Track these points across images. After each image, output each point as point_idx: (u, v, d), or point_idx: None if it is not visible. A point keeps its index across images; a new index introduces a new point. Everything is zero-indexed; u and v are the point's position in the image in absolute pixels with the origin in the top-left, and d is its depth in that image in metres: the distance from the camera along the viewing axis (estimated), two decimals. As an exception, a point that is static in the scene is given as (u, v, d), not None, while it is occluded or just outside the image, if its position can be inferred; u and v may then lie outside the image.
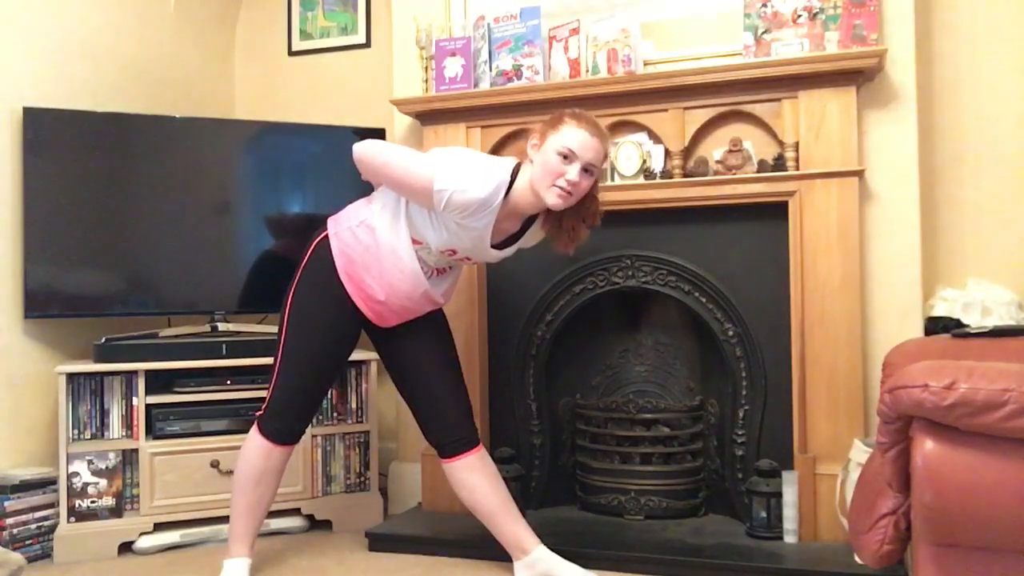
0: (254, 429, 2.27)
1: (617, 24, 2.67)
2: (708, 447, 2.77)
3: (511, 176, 2.11)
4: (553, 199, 2.08)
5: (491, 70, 2.80)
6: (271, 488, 2.30)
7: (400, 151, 2.19)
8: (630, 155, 2.67)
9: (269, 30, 3.66)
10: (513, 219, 2.21)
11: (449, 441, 2.31)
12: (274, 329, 2.49)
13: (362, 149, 2.21)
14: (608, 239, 2.61)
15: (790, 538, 2.43)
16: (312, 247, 2.27)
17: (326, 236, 2.25)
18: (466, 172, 2.06)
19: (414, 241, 2.19)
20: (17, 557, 1.85)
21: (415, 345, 2.34)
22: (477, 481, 2.29)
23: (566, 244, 2.22)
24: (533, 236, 2.31)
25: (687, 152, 2.64)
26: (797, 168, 2.49)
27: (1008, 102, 2.62)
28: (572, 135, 2.07)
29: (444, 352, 2.37)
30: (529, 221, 2.26)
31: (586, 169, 2.09)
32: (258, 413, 2.28)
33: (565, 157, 2.06)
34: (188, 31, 3.42)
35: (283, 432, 2.26)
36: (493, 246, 2.20)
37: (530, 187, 2.10)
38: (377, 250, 2.19)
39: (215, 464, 2.70)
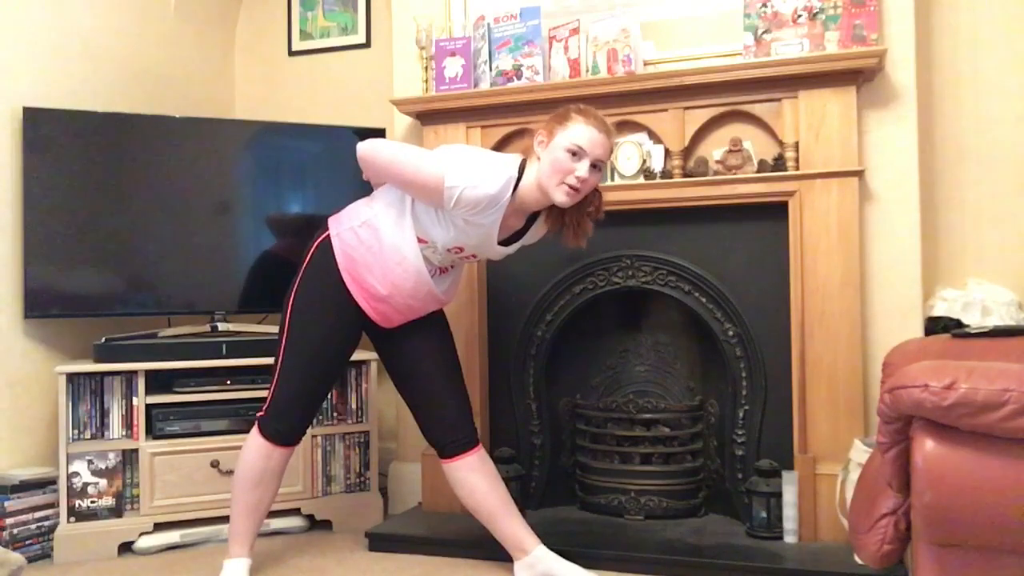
0: (255, 430, 2.27)
1: (617, 24, 2.67)
2: (708, 447, 2.77)
3: (518, 172, 2.11)
4: (561, 197, 2.08)
5: (491, 70, 2.80)
6: (271, 489, 2.30)
7: (406, 149, 2.18)
8: (630, 155, 2.67)
9: (269, 30, 3.66)
10: (519, 215, 2.21)
11: (449, 441, 2.31)
12: (274, 329, 2.49)
13: (367, 148, 2.20)
14: (608, 239, 2.61)
15: (790, 538, 2.43)
16: (313, 248, 2.26)
17: (327, 237, 2.24)
18: (476, 169, 2.06)
19: (419, 240, 2.19)
20: (17, 557, 1.85)
21: (415, 345, 2.34)
22: (477, 481, 2.29)
23: (575, 238, 2.22)
24: (536, 232, 2.31)
25: (687, 152, 2.64)
26: (797, 168, 2.50)
27: (1008, 102, 2.62)
28: (581, 132, 2.07)
29: (444, 352, 2.37)
30: (533, 217, 2.26)
31: (594, 165, 2.09)
32: (259, 414, 2.28)
33: (574, 154, 2.06)
34: (188, 31, 3.42)
35: (284, 433, 2.26)
36: (498, 243, 2.20)
37: (536, 184, 2.10)
38: (380, 250, 2.19)
39: (215, 464, 2.70)
